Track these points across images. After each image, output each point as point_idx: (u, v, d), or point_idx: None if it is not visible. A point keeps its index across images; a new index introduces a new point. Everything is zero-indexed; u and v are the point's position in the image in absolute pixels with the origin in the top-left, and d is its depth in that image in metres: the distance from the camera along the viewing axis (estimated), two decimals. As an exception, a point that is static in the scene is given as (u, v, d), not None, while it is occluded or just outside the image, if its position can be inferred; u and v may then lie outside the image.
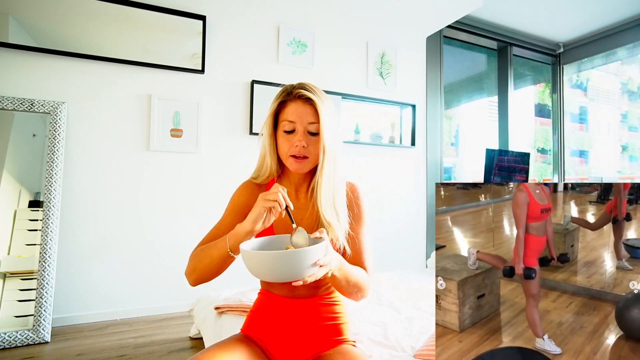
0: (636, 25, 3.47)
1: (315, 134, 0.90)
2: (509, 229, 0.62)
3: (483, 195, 0.66)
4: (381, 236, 3.09)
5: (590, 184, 0.57)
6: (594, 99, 4.27)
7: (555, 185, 0.60)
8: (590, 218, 0.56)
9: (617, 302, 0.53)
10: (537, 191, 0.59)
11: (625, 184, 0.53)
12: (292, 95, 0.90)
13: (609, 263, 0.55)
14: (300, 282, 0.72)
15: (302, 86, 0.90)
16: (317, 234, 0.78)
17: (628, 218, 0.52)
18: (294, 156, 0.90)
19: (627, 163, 3.90)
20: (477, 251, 0.64)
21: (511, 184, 0.63)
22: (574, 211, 0.57)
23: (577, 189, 0.58)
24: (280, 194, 0.78)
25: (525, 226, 0.60)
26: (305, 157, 0.90)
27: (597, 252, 0.55)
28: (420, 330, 1.40)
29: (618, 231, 0.53)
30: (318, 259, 0.72)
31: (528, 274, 0.59)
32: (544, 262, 0.58)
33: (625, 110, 4.00)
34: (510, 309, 0.62)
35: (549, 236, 0.58)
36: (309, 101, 0.89)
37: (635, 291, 0.50)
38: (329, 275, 0.78)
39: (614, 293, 0.53)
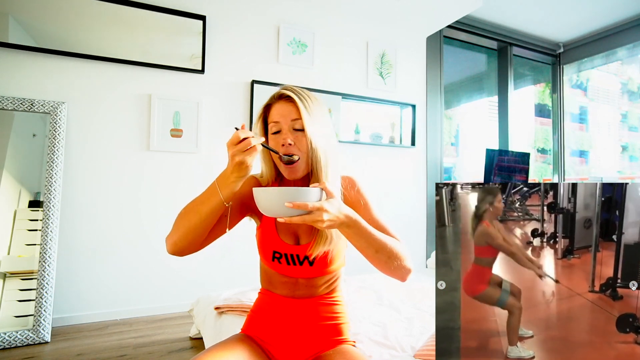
0: (636, 25, 3.47)
1: (301, 130, 0.90)
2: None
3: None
4: (381, 236, 3.09)
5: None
6: (594, 99, 4.26)
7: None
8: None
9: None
10: None
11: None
12: (275, 98, 0.93)
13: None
14: (282, 220, 0.71)
15: (284, 88, 0.92)
16: (315, 184, 0.75)
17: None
18: (285, 163, 0.89)
19: (627, 163, 3.90)
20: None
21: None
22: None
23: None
24: (243, 135, 0.74)
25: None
26: (294, 163, 0.89)
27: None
28: (421, 331, 1.40)
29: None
30: (307, 202, 0.70)
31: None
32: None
33: (625, 110, 4.00)
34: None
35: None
36: (290, 100, 0.90)
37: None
38: (325, 225, 0.72)
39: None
